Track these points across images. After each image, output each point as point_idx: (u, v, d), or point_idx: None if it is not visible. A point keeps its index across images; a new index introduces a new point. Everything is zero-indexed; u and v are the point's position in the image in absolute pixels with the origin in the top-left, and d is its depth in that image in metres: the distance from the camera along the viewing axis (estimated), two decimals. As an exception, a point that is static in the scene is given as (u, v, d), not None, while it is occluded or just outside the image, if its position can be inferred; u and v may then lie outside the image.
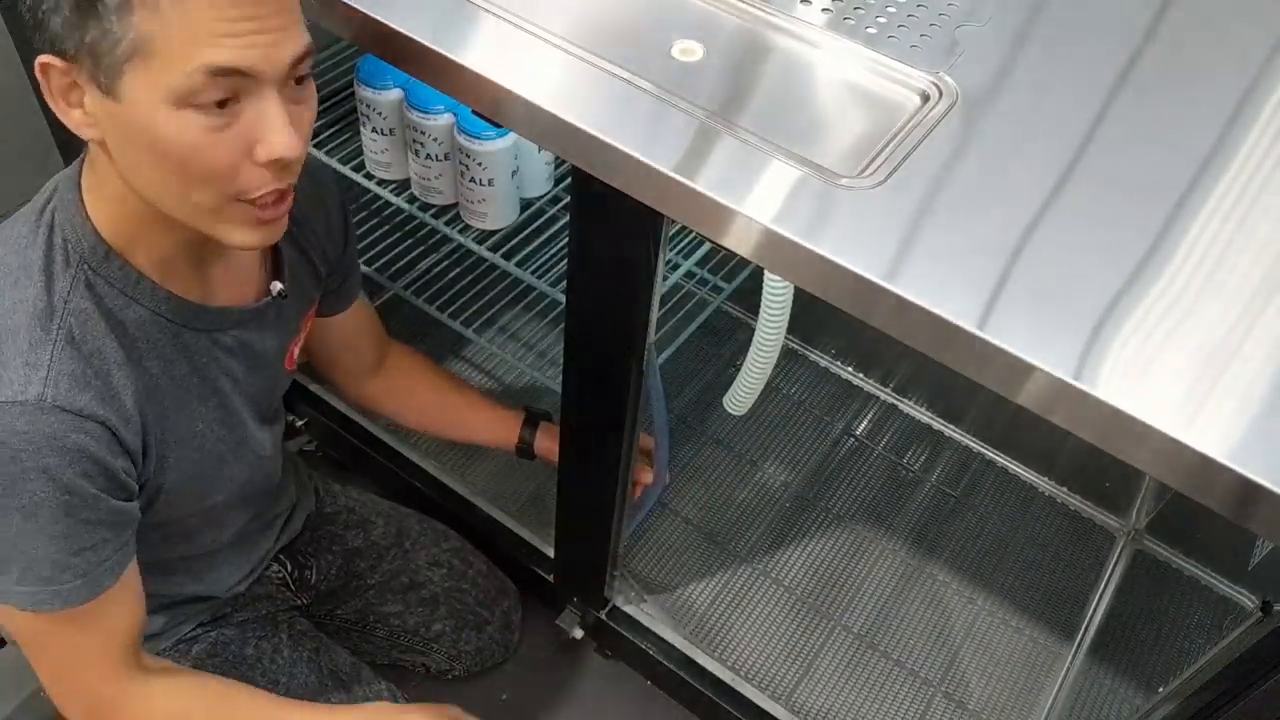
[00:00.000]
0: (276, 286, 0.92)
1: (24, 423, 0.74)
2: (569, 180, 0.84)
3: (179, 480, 0.88)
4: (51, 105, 0.71)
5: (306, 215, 0.98)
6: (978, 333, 0.63)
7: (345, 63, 1.44)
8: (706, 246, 1.34)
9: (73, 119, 0.72)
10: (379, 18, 0.79)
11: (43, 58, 0.69)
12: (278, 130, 0.71)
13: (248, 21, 0.67)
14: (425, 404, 1.27)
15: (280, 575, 1.20)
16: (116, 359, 0.79)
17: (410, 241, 1.46)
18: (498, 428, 1.28)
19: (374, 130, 1.30)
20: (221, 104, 0.69)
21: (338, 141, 1.40)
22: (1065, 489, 1.55)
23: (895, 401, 1.65)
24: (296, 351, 1.02)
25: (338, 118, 1.42)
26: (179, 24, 0.66)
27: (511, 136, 1.22)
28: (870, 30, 0.84)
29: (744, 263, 1.37)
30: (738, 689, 1.29)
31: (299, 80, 0.74)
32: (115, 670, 0.87)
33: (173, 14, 0.65)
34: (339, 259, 1.05)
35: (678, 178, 0.70)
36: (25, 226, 0.80)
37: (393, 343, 1.25)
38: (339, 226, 1.04)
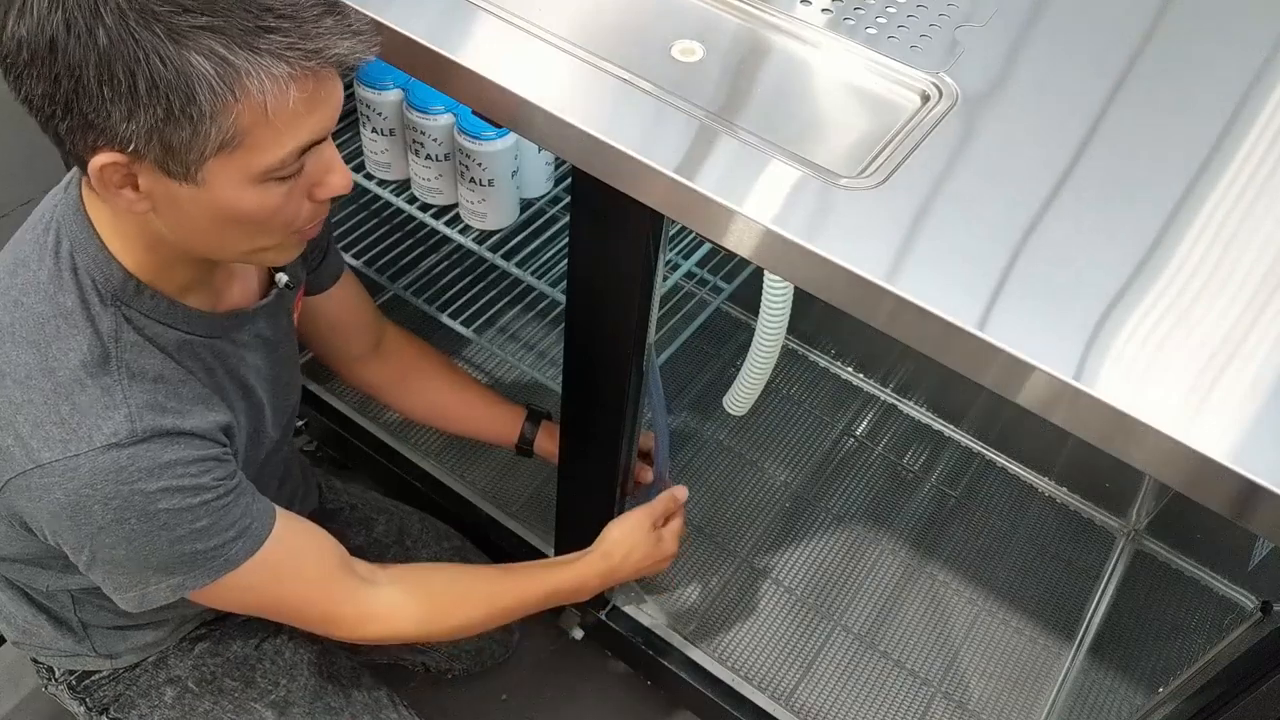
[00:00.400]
0: (282, 278, 0.93)
1: (126, 458, 0.75)
2: (569, 180, 0.84)
3: None
4: (99, 190, 0.71)
5: None
6: (978, 333, 0.63)
7: (345, 63, 1.44)
8: (706, 246, 1.34)
9: (123, 199, 0.71)
10: (379, 18, 0.79)
11: (104, 158, 0.67)
12: (338, 173, 0.75)
13: (320, 94, 0.70)
14: (426, 391, 1.26)
15: None
16: (177, 377, 0.81)
17: (410, 242, 1.46)
18: (499, 423, 1.28)
19: (374, 130, 1.30)
20: (300, 170, 0.73)
21: (338, 142, 1.39)
22: (1065, 489, 1.55)
23: (895, 401, 1.65)
24: (296, 319, 1.03)
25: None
26: (277, 114, 0.67)
27: (511, 136, 1.22)
28: (870, 30, 0.84)
29: (744, 263, 1.37)
30: (738, 689, 1.29)
31: None
32: (339, 586, 0.93)
33: (275, 107, 0.67)
34: (318, 236, 1.05)
35: (678, 178, 0.70)
36: (44, 272, 0.78)
37: (390, 327, 1.25)
38: None
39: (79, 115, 0.66)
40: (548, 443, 1.27)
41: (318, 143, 0.72)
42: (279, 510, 0.88)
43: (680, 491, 1.18)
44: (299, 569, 0.91)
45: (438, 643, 1.30)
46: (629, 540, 1.11)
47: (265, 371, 0.94)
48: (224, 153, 0.68)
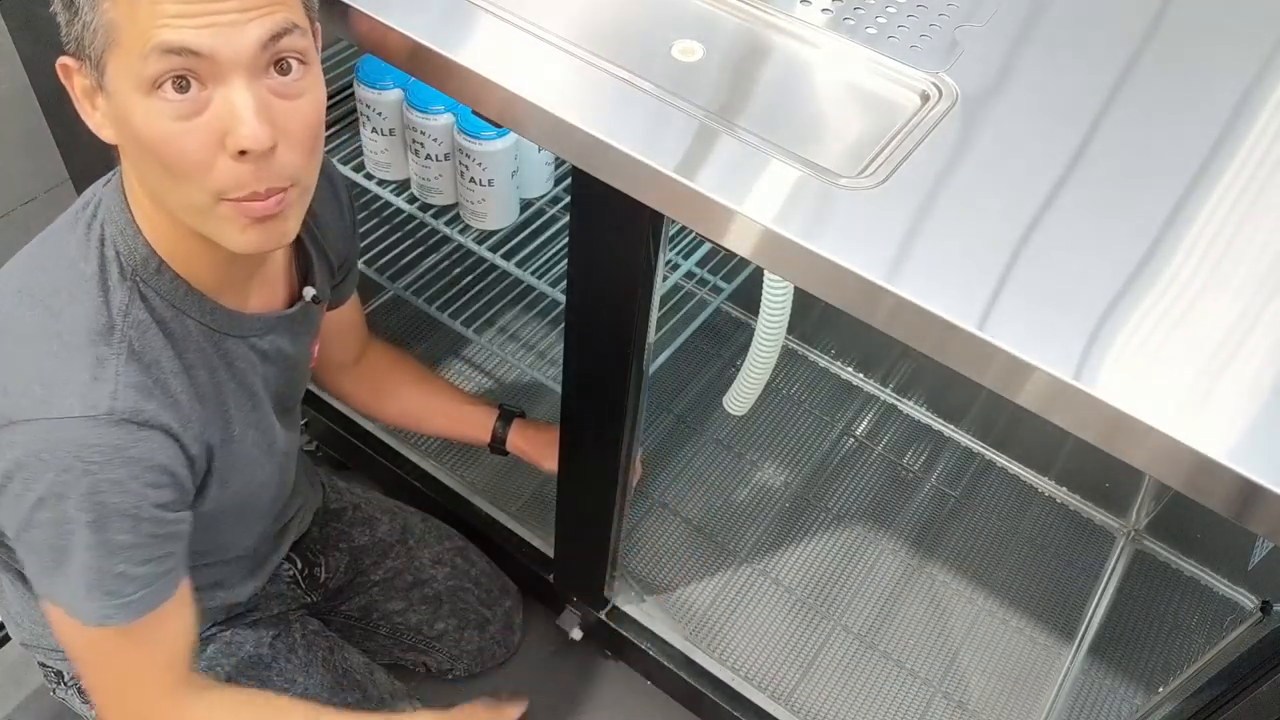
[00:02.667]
0: (310, 292, 0.92)
1: (95, 436, 0.74)
2: (569, 180, 0.84)
3: (217, 484, 0.89)
4: (79, 110, 0.72)
5: (325, 215, 0.98)
6: (978, 333, 0.63)
7: (345, 63, 1.44)
8: (706, 246, 1.34)
9: (94, 121, 0.73)
10: (379, 18, 0.79)
11: (60, 59, 0.70)
12: (243, 120, 0.68)
13: (208, 3, 0.66)
14: (399, 397, 1.27)
15: (290, 573, 1.20)
16: (173, 368, 0.80)
17: (410, 241, 1.46)
18: (471, 423, 1.29)
19: (374, 130, 1.30)
20: (183, 88, 0.67)
21: (338, 142, 1.39)
22: (1065, 489, 1.55)
23: (895, 401, 1.65)
24: (315, 349, 1.03)
25: (338, 118, 1.42)
26: (142, 6, 0.65)
27: (511, 136, 1.22)
28: (870, 30, 0.84)
29: (744, 263, 1.37)
30: (738, 689, 1.29)
31: (282, 68, 0.70)
32: (169, 686, 0.87)
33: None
34: (349, 253, 1.06)
35: (678, 178, 0.70)
36: (74, 240, 0.79)
37: (372, 337, 1.26)
38: (350, 224, 1.05)
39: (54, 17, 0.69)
40: (520, 441, 1.28)
41: (210, 65, 0.66)
42: (183, 584, 0.85)
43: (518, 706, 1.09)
44: (153, 658, 0.86)
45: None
46: None
47: (274, 386, 0.93)
48: (112, 51, 0.67)
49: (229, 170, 0.70)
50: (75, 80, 0.71)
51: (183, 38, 0.65)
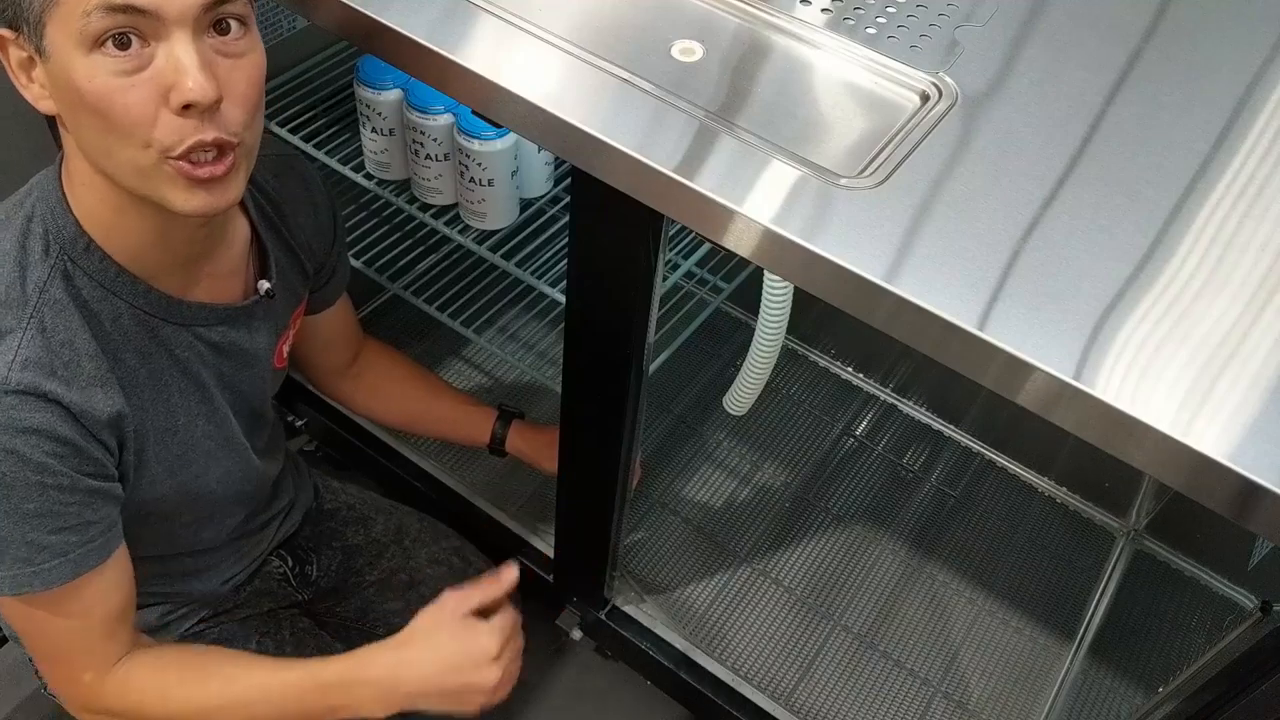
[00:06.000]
0: (264, 286, 0.91)
1: None
2: (569, 180, 0.84)
3: (163, 473, 0.88)
4: (15, 84, 0.72)
5: (295, 214, 0.98)
6: (978, 333, 0.63)
7: (345, 63, 1.44)
8: (706, 246, 1.34)
9: (32, 93, 0.73)
10: (378, 18, 0.79)
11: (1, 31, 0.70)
12: (188, 72, 0.69)
13: None
14: (397, 399, 1.27)
15: (281, 570, 1.20)
16: (89, 350, 0.79)
17: (410, 241, 1.45)
18: (470, 424, 1.29)
19: (374, 130, 1.30)
20: (124, 45, 0.68)
21: (338, 141, 1.39)
22: (1065, 489, 1.55)
23: (895, 401, 1.65)
24: (286, 349, 1.02)
25: (338, 118, 1.42)
26: None
27: (511, 136, 1.22)
28: (870, 30, 0.84)
29: (744, 263, 1.37)
30: (738, 689, 1.29)
31: (221, 28, 0.72)
32: (98, 654, 0.87)
33: None
34: (326, 258, 1.06)
35: (678, 178, 0.70)
36: (1, 215, 0.80)
37: (367, 339, 1.26)
38: (328, 225, 1.04)
39: None
40: (519, 442, 1.27)
41: (155, 21, 0.68)
42: (113, 556, 0.84)
43: (508, 573, 0.98)
44: (78, 625, 0.85)
45: None
46: (429, 626, 0.93)
47: (233, 381, 0.92)
48: (51, 10, 0.67)
49: (171, 125, 0.70)
50: (10, 52, 0.71)
51: None
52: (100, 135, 0.72)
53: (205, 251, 0.86)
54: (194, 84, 0.69)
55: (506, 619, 0.95)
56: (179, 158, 0.72)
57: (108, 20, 0.67)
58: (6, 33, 0.70)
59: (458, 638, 0.92)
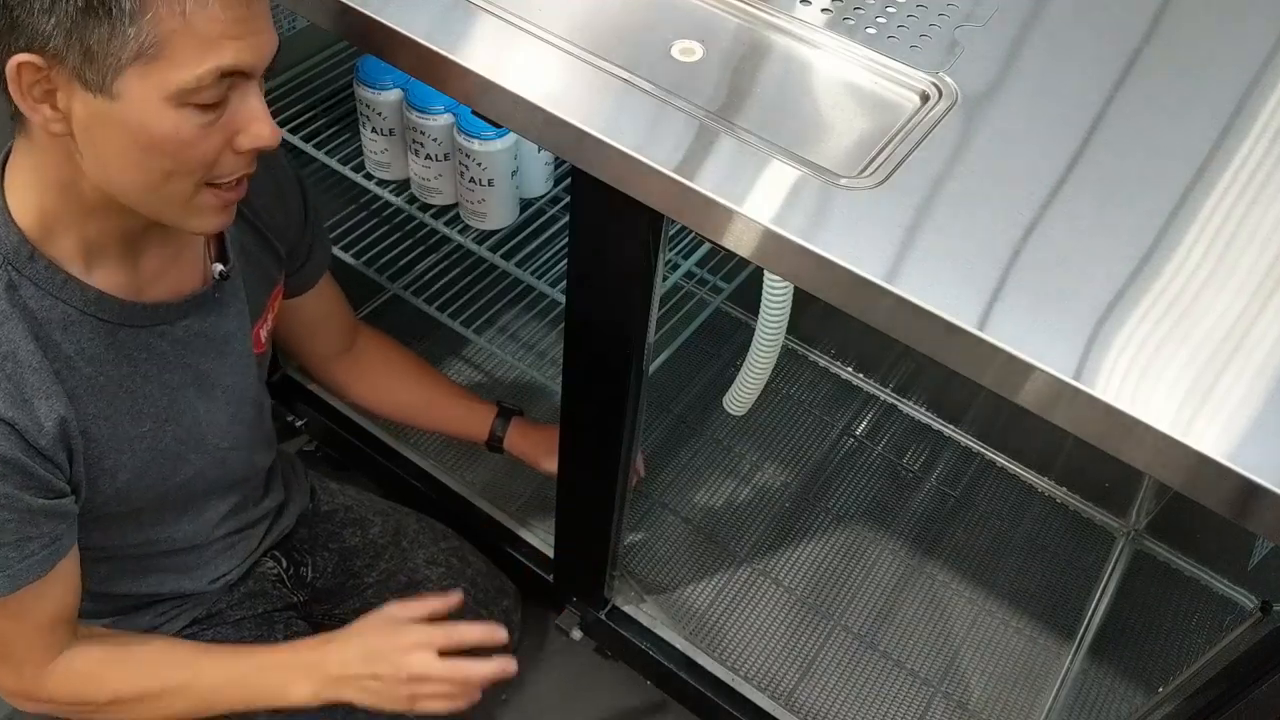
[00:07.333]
0: (217, 268, 0.91)
1: None
2: (569, 180, 0.84)
3: (130, 480, 0.88)
4: (16, 100, 0.71)
5: (263, 198, 0.97)
6: (978, 333, 0.63)
7: (345, 63, 1.44)
8: (706, 246, 1.34)
9: (41, 114, 0.71)
10: (378, 18, 0.79)
11: (21, 57, 0.68)
12: (262, 121, 0.74)
13: (247, 23, 0.70)
14: (393, 390, 1.27)
15: (275, 572, 1.19)
16: (33, 363, 0.78)
17: (410, 241, 1.45)
18: (469, 420, 1.28)
19: (374, 130, 1.30)
20: (218, 104, 0.72)
21: (338, 142, 1.39)
22: (1065, 489, 1.55)
23: (895, 401, 1.65)
24: (264, 334, 1.01)
25: (338, 118, 1.42)
26: (198, 26, 0.67)
27: (511, 136, 1.22)
28: (870, 30, 0.84)
29: (744, 263, 1.37)
30: (738, 689, 1.29)
31: (266, 74, 0.76)
32: (39, 649, 0.89)
33: (196, 17, 0.67)
34: (300, 239, 1.05)
35: (678, 178, 0.70)
36: None
37: (363, 327, 1.25)
38: (297, 208, 1.04)
39: (4, 12, 0.67)
40: (519, 440, 1.27)
41: (243, 77, 0.72)
42: (57, 567, 0.85)
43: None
44: (21, 629, 0.87)
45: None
46: (363, 622, 0.98)
47: (211, 374, 0.92)
48: (141, 63, 0.67)
49: (233, 162, 0.76)
50: (26, 76, 0.69)
51: (238, 59, 0.70)
52: (151, 171, 0.73)
53: (158, 248, 0.86)
54: (271, 132, 0.75)
55: (451, 627, 0.98)
56: (218, 185, 0.77)
57: (216, 81, 0.70)
58: (34, 59, 0.68)
59: (382, 631, 0.98)
